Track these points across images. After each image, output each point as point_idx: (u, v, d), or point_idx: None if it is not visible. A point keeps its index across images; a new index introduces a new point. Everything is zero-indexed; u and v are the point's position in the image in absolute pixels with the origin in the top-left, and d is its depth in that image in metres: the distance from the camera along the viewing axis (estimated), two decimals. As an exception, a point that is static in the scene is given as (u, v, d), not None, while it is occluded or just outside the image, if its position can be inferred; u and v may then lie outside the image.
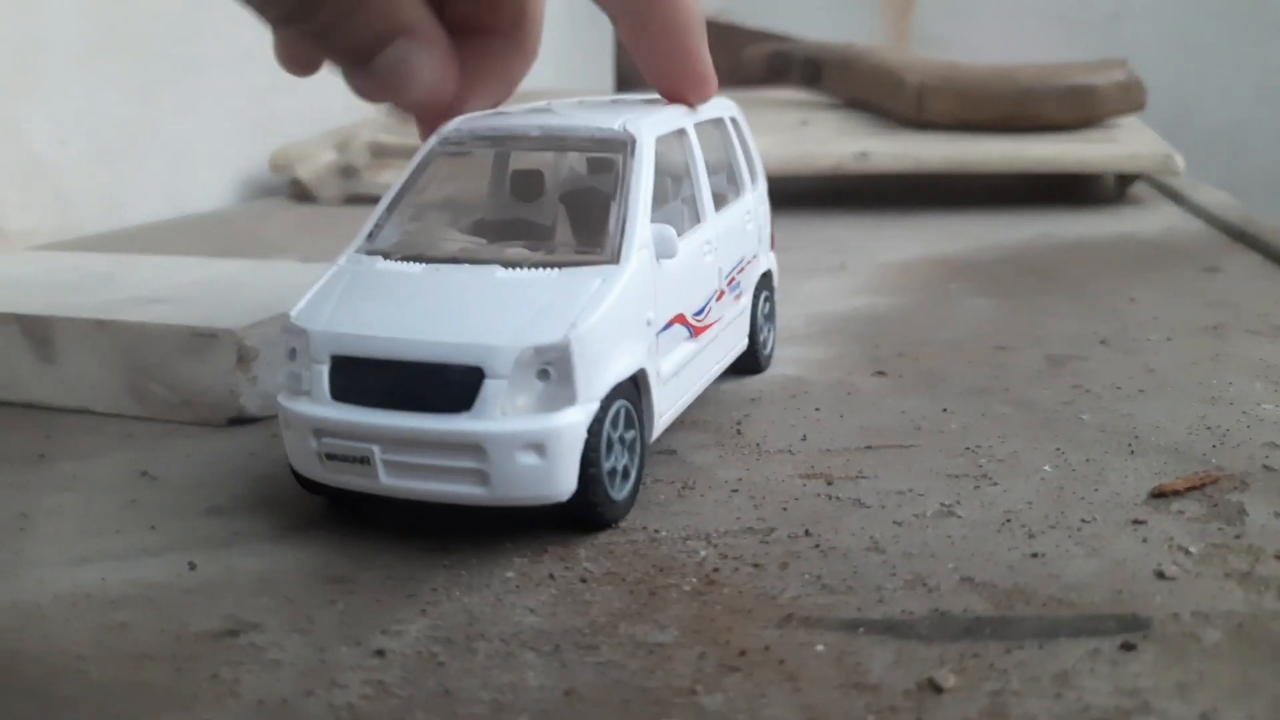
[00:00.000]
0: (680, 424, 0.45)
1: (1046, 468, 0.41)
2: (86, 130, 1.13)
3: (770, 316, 0.55)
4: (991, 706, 0.26)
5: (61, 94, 1.10)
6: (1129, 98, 1.12)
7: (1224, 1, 1.65)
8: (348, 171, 1.37)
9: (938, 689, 0.27)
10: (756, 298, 0.52)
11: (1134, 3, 1.69)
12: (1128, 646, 0.29)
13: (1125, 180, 1.12)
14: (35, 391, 0.56)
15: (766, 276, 0.54)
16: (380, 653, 0.30)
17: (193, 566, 0.37)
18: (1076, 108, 1.11)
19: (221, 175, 1.37)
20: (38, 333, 0.56)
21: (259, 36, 0.40)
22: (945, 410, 0.49)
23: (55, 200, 1.11)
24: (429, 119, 0.44)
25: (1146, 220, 0.99)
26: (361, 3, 0.37)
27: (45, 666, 0.31)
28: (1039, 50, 1.47)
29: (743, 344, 0.51)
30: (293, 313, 0.40)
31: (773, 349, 0.56)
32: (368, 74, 0.39)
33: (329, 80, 0.42)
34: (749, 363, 0.53)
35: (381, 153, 1.38)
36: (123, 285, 0.62)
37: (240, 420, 0.52)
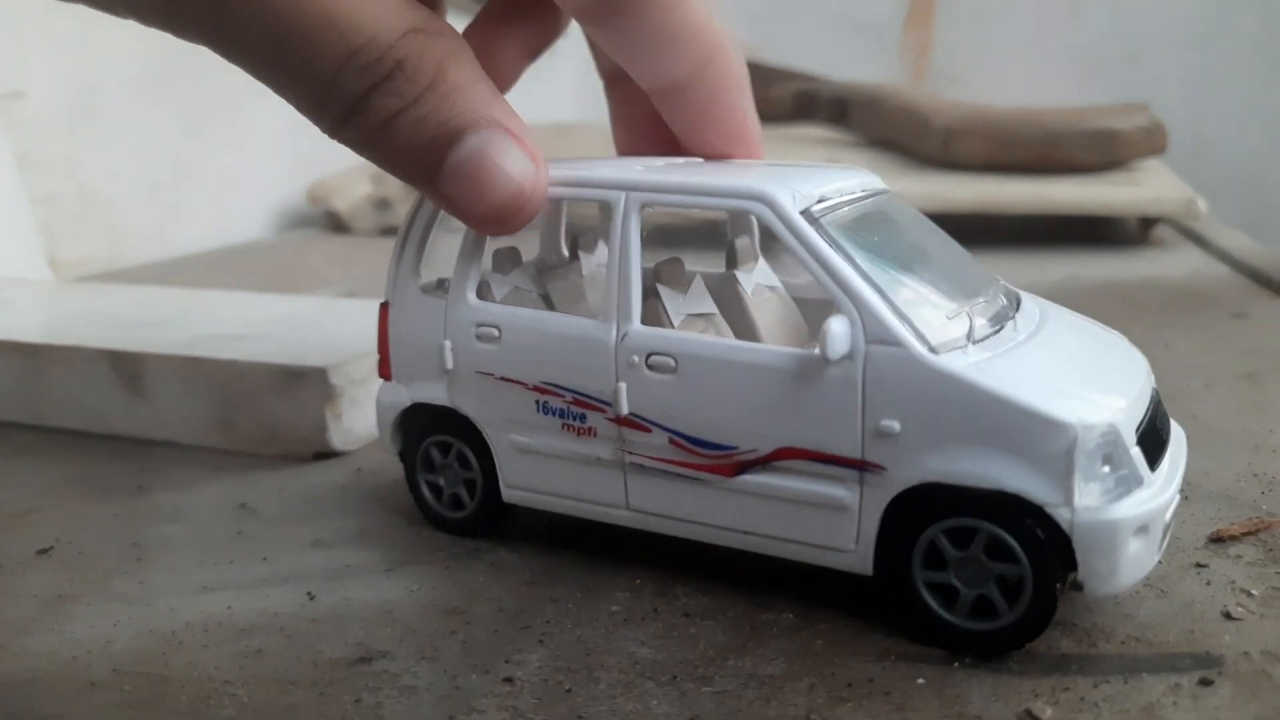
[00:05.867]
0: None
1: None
2: (136, 164, 1.17)
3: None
4: (1087, 737, 0.29)
5: (115, 130, 1.14)
6: (1151, 141, 1.15)
7: (1241, 40, 1.68)
8: (382, 204, 1.41)
9: (1036, 719, 0.30)
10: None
11: (1151, 42, 1.72)
12: (1205, 682, 0.31)
13: (1148, 223, 1.15)
14: (123, 424, 0.59)
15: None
16: (509, 680, 0.33)
17: (312, 597, 0.39)
18: (1101, 151, 1.14)
19: (261, 207, 1.41)
20: (128, 368, 0.58)
21: None
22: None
23: (106, 231, 1.14)
24: (520, 220, 0.36)
25: (1171, 263, 1.02)
26: (433, 84, 0.33)
27: (196, 690, 0.33)
28: (1056, 90, 1.50)
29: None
30: (1074, 418, 0.32)
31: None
32: (442, 181, 0.34)
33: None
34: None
35: (416, 186, 1.42)
36: (202, 321, 0.65)
37: (324, 455, 0.55)
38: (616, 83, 0.44)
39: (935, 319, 0.34)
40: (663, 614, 0.37)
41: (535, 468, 0.41)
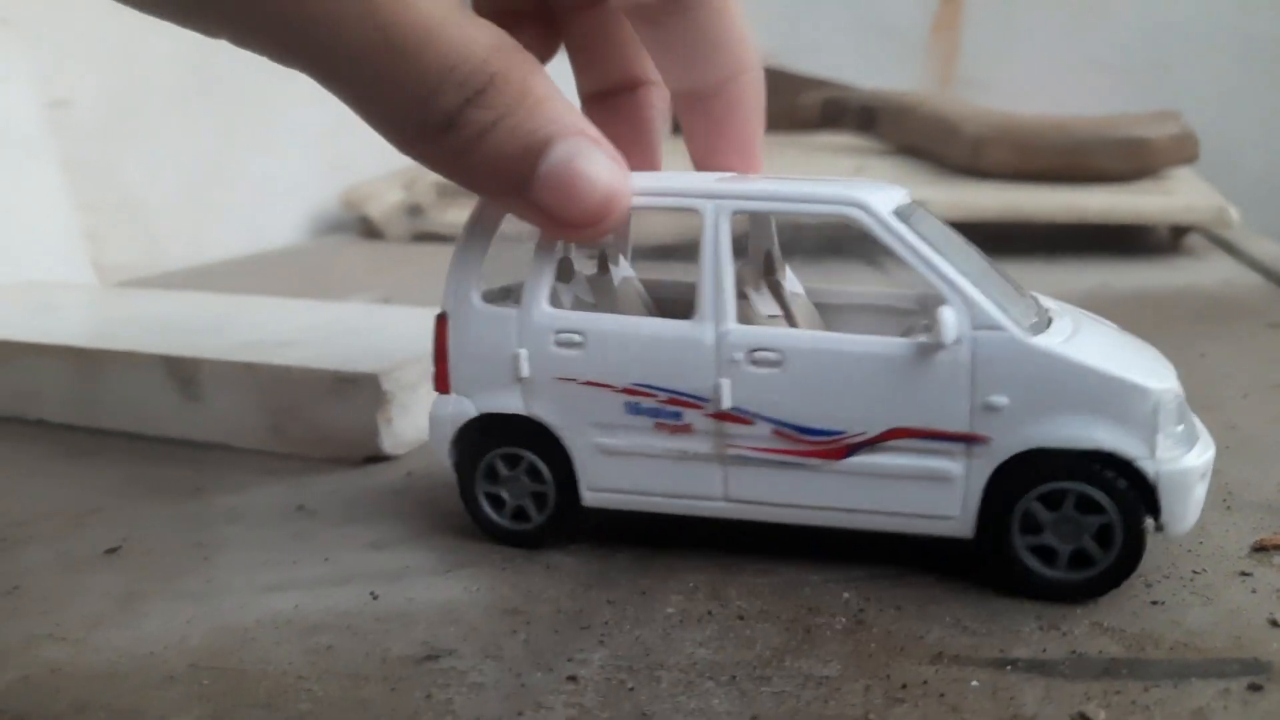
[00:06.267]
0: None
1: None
2: (175, 171, 1.19)
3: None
4: (1140, 739, 0.30)
5: (155, 137, 1.16)
6: (1182, 150, 1.15)
7: (1271, 48, 1.68)
8: (415, 210, 1.42)
9: (1089, 722, 0.30)
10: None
11: (1180, 50, 1.72)
12: (1255, 687, 0.32)
13: (1179, 231, 1.15)
14: (177, 427, 0.61)
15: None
16: (573, 679, 0.34)
17: (375, 596, 0.41)
18: (1131, 159, 1.15)
19: (295, 213, 1.43)
20: (182, 372, 0.60)
21: None
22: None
23: (144, 237, 1.16)
24: (609, 225, 0.37)
25: (1203, 272, 1.03)
26: (520, 97, 0.34)
27: (271, 684, 0.34)
28: (1083, 97, 1.51)
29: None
30: (1154, 385, 0.37)
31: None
32: (535, 189, 0.35)
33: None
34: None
35: (447, 192, 1.43)
36: (250, 326, 0.67)
37: (374, 459, 0.56)
38: (594, 102, 0.45)
39: (1015, 308, 0.39)
40: (717, 616, 0.38)
41: (621, 469, 0.42)
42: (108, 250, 1.09)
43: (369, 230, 1.40)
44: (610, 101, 0.45)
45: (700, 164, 0.43)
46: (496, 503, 0.45)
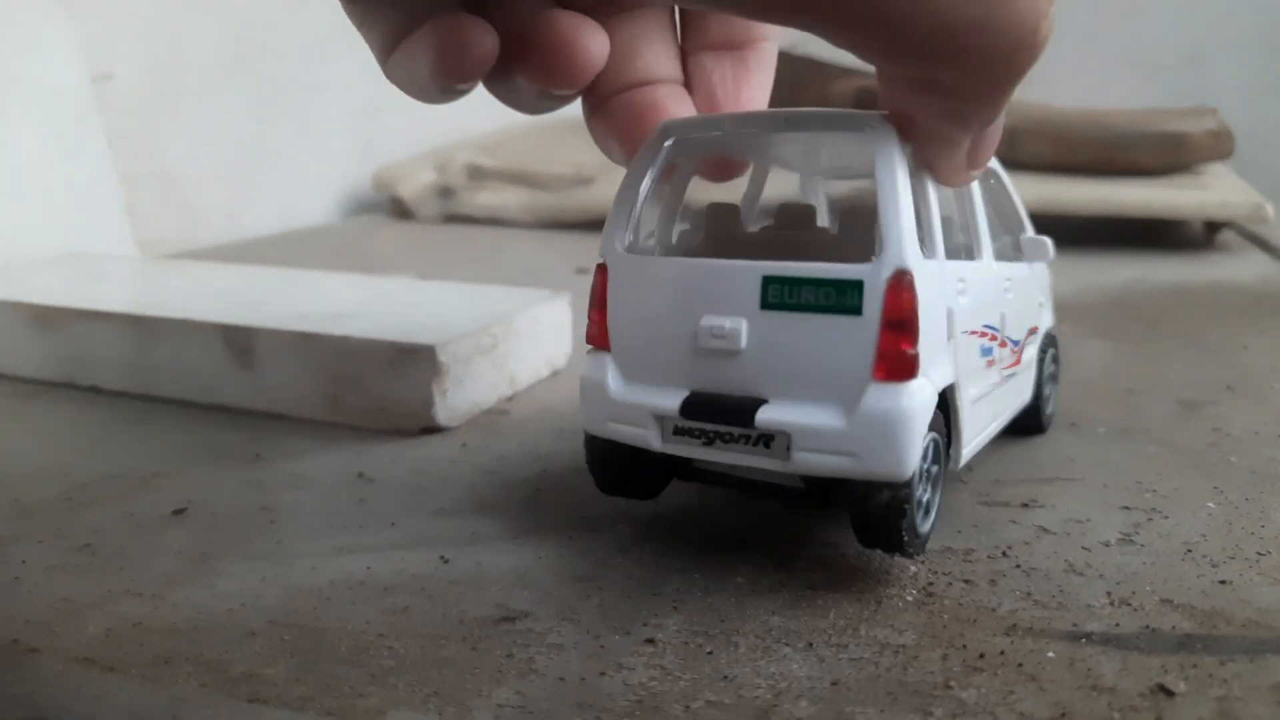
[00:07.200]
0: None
1: (1210, 505, 0.45)
2: (213, 148, 1.20)
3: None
4: (1220, 710, 0.30)
5: (194, 114, 1.17)
6: (1219, 145, 1.15)
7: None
8: (446, 192, 1.43)
9: (1169, 693, 0.31)
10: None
11: (1212, 45, 1.71)
12: (1330, 665, 0.32)
13: (1214, 227, 1.15)
14: (232, 396, 0.61)
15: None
16: (651, 641, 0.34)
17: (445, 560, 0.41)
18: (1168, 154, 1.14)
19: (328, 192, 1.44)
20: (240, 341, 0.60)
21: (366, 61, 0.37)
22: (1096, 447, 0.52)
23: (183, 212, 1.17)
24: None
25: (1239, 267, 1.02)
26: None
27: (352, 641, 0.35)
28: (1114, 92, 1.50)
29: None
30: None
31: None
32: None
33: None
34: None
35: (479, 174, 1.44)
36: (303, 298, 0.67)
37: (429, 430, 0.57)
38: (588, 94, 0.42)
39: None
40: (788, 586, 0.38)
41: (973, 418, 0.42)
42: (147, 224, 1.09)
43: (400, 211, 1.40)
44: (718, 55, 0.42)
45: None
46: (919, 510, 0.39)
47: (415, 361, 0.56)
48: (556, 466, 0.51)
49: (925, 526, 0.38)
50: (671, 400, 0.39)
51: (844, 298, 0.36)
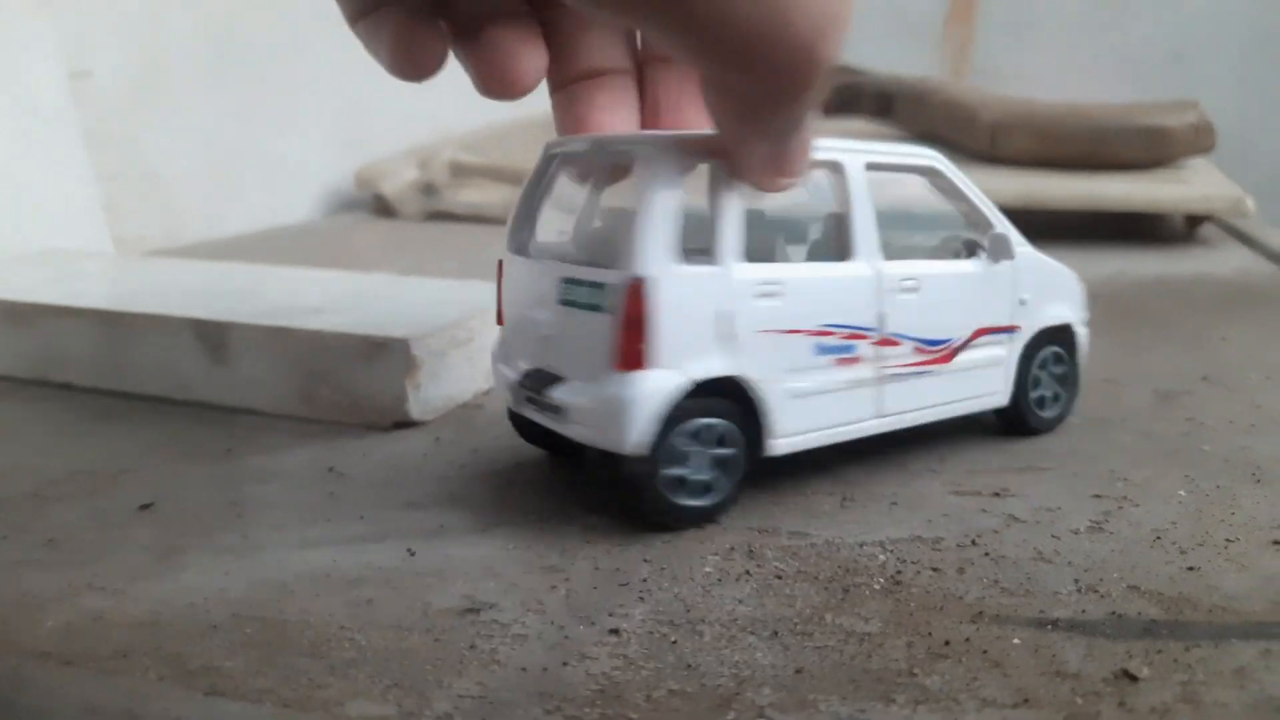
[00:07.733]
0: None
1: (1181, 493, 0.45)
2: (194, 145, 1.19)
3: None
4: (1184, 694, 0.30)
5: (175, 111, 1.16)
6: (1200, 139, 1.16)
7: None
8: (428, 189, 1.42)
9: (1133, 678, 0.31)
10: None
11: (1196, 42, 1.72)
12: (1295, 650, 0.32)
13: (1195, 221, 1.15)
14: (206, 391, 0.61)
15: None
16: (615, 631, 0.34)
17: (412, 553, 0.41)
18: (1149, 148, 1.15)
19: (309, 190, 1.43)
20: (212, 337, 0.60)
21: (348, 59, 0.37)
22: (1071, 437, 0.52)
23: (164, 210, 1.17)
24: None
25: (1219, 261, 1.03)
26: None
27: (315, 634, 0.35)
28: (1098, 89, 1.50)
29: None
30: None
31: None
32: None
33: (413, 100, 0.41)
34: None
35: (461, 171, 1.44)
36: (278, 294, 0.67)
37: (403, 424, 0.56)
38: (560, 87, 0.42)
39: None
40: (755, 575, 0.38)
41: (802, 410, 0.44)
42: (126, 222, 1.09)
43: (382, 208, 1.40)
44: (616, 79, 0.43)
45: (660, 119, 0.41)
46: (676, 484, 0.42)
47: (389, 355, 0.56)
48: (529, 459, 0.51)
49: (697, 501, 0.42)
50: (518, 374, 0.46)
51: (596, 298, 0.42)
